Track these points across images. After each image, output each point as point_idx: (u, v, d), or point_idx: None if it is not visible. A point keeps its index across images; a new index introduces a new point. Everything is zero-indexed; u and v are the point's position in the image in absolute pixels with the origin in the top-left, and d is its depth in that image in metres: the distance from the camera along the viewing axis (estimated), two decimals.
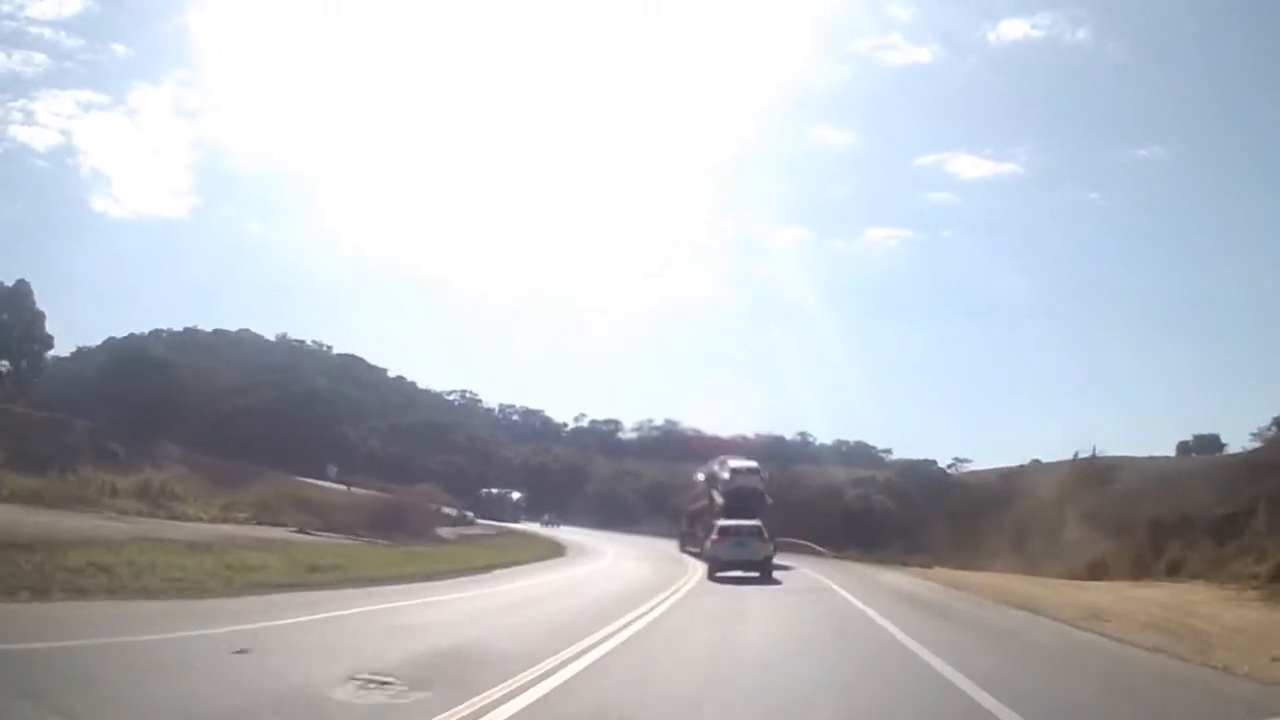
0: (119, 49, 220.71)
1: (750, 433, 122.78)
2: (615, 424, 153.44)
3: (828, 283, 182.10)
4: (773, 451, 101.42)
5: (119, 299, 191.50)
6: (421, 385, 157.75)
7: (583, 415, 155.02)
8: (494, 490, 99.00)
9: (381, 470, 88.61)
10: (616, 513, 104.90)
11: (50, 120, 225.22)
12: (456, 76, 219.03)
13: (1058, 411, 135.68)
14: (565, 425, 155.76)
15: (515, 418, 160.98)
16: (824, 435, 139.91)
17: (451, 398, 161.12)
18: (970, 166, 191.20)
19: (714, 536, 33.70)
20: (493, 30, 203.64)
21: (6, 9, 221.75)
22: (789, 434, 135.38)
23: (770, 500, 45.87)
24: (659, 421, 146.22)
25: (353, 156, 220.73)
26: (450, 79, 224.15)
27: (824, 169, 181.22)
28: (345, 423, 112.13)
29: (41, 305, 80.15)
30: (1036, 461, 78.57)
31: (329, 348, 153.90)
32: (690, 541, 49.61)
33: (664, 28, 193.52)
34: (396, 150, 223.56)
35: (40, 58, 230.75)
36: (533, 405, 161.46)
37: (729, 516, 38.13)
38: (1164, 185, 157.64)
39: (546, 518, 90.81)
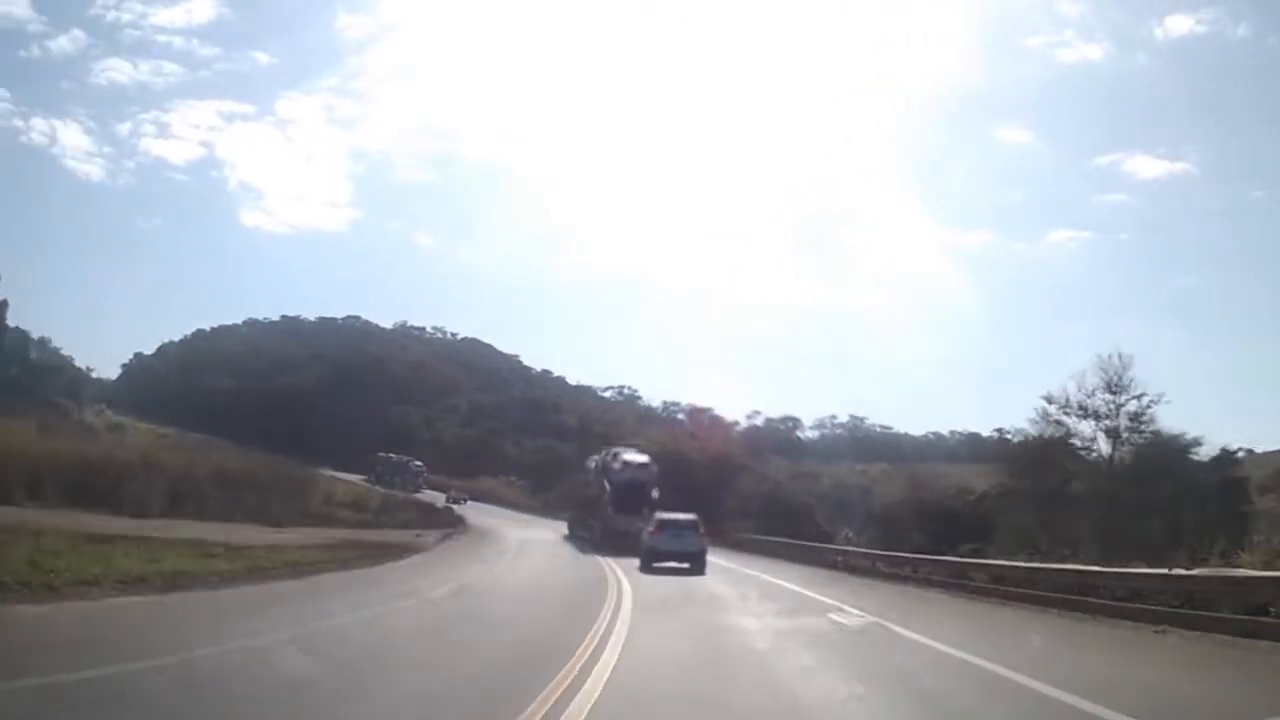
0: (261, 57, 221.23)
1: (945, 430, 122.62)
2: (794, 421, 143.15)
3: (1012, 285, 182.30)
4: (970, 448, 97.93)
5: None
6: (574, 382, 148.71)
7: (757, 413, 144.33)
8: (393, 456, 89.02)
9: (446, 456, 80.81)
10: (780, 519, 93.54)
11: (189, 132, 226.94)
12: (618, 77, 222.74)
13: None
14: (737, 423, 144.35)
15: (680, 416, 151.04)
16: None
17: (607, 394, 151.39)
18: (1145, 166, 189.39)
19: (651, 528, 34.57)
20: (664, 29, 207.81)
21: (128, 17, 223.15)
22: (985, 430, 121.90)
23: (657, 494, 45.62)
24: (843, 419, 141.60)
25: (513, 159, 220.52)
26: (612, 80, 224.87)
27: (1004, 170, 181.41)
28: (411, 403, 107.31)
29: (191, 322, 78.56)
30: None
31: (454, 334, 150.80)
32: (580, 527, 50.59)
33: (849, 30, 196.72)
34: (559, 150, 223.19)
35: (172, 67, 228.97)
36: (701, 403, 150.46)
37: (617, 507, 42.53)
38: None
39: (452, 493, 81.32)
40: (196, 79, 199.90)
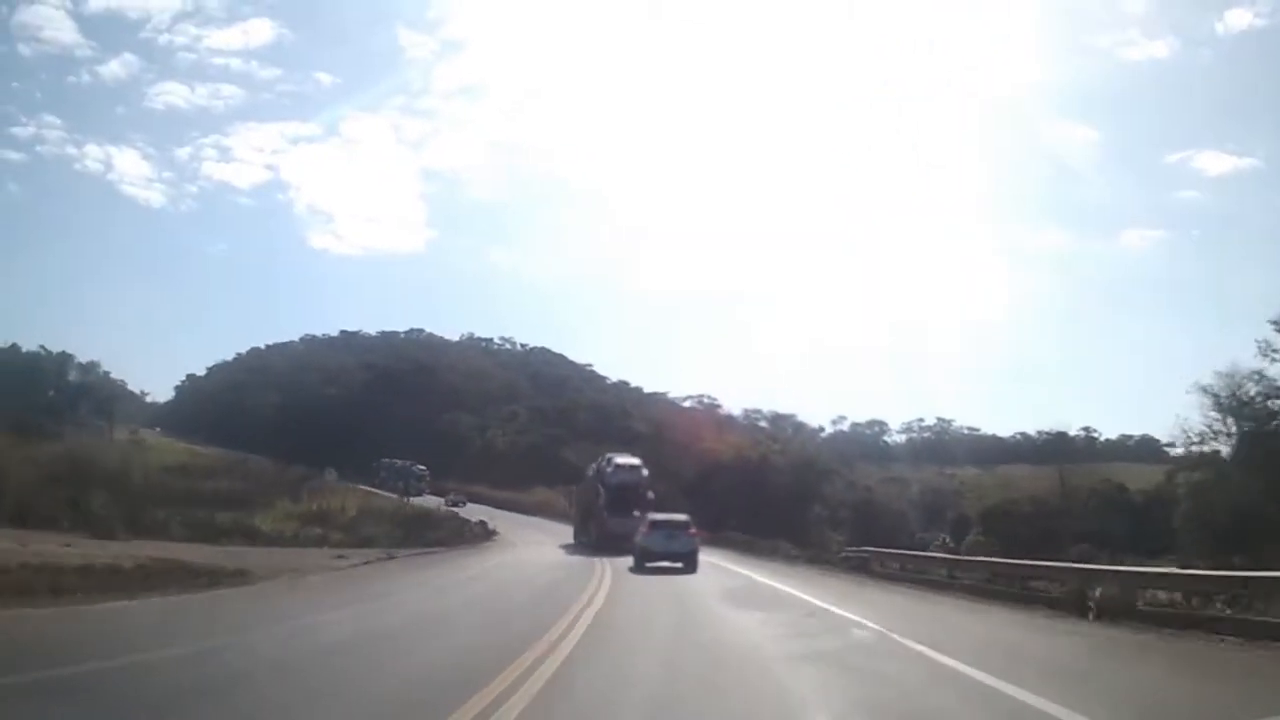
0: (324, 77, 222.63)
1: (1032, 430, 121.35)
2: (881, 425, 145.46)
3: (1089, 284, 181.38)
4: (1055, 449, 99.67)
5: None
6: (650, 390, 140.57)
7: (842, 418, 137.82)
8: (397, 461, 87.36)
9: (498, 464, 74.35)
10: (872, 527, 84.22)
11: (252, 156, 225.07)
12: (688, 87, 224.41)
13: None
14: (822, 429, 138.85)
15: (762, 423, 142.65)
16: (1109, 431, 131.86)
17: (687, 403, 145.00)
18: (1215, 162, 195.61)
19: (644, 529, 34.73)
20: (738, 38, 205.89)
21: (182, 41, 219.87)
22: (1071, 430, 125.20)
23: (652, 495, 46.77)
24: (929, 421, 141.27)
25: (585, 171, 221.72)
26: (681, 89, 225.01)
27: (1075, 169, 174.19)
28: (464, 411, 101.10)
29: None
30: None
31: (524, 345, 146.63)
32: (582, 532, 50.95)
33: (918, 34, 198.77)
34: (631, 161, 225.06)
35: (231, 90, 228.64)
36: (784, 409, 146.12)
37: (611, 510, 44.25)
38: None
39: (451, 496, 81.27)
40: (258, 101, 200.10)
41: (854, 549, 39.90)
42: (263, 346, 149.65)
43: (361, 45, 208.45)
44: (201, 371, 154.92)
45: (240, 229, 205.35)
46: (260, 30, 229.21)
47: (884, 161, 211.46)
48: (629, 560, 33.73)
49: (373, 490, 71.39)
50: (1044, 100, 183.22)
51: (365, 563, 29.24)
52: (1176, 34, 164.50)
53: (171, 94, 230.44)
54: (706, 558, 34.91)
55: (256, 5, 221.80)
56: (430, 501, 71.34)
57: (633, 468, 49.46)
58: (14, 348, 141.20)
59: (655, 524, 34.75)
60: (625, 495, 45.48)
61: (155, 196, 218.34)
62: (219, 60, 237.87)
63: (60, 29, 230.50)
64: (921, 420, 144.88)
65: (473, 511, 67.77)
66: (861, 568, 33.78)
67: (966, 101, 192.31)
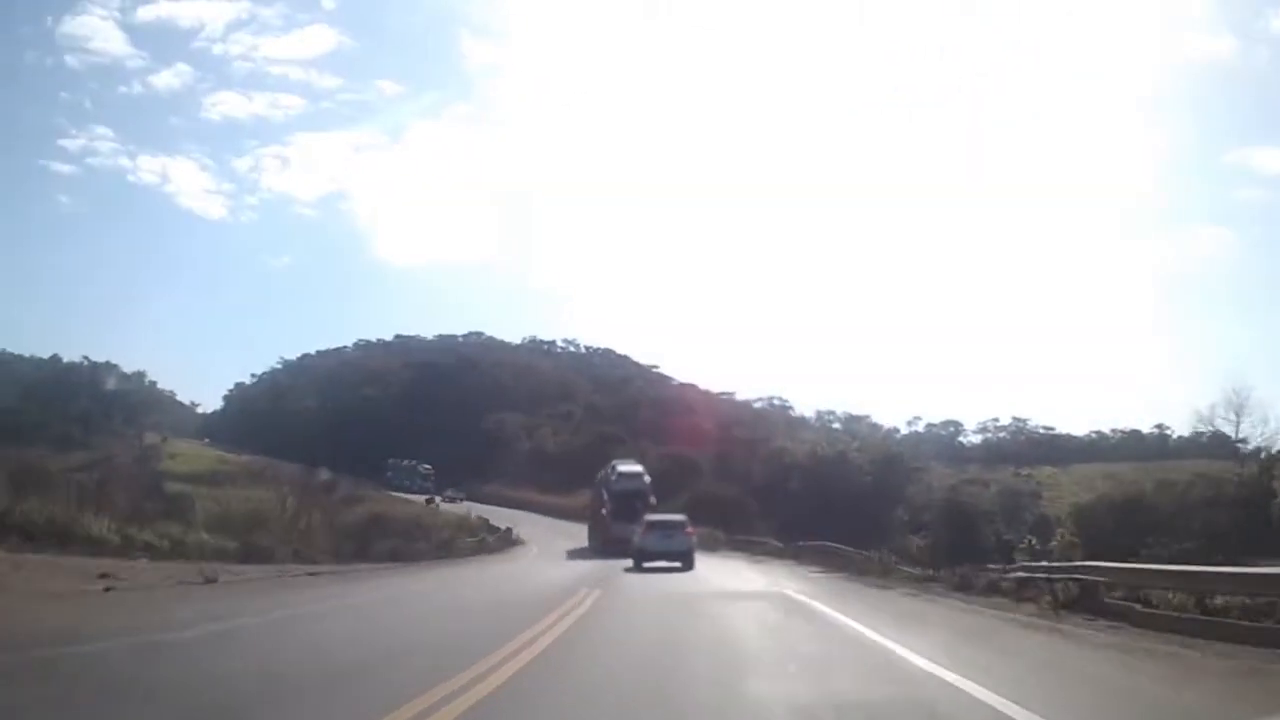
0: (387, 86, 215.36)
1: (1108, 428, 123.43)
2: (956, 425, 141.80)
3: (1155, 282, 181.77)
4: (1130, 447, 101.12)
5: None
6: (717, 391, 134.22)
7: (917, 419, 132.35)
8: (404, 461, 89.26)
9: (547, 465, 68.45)
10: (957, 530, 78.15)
11: (314, 166, 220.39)
12: (753, 87, 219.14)
13: None
14: (896, 430, 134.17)
15: (836, 425, 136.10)
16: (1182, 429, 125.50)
17: (758, 404, 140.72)
18: (1275, 160, 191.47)
19: (641, 530, 35.39)
20: (806, 36, 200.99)
21: (237, 50, 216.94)
22: (1145, 428, 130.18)
23: (654, 500, 47.92)
24: (1005, 420, 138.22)
25: (653, 177, 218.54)
26: (746, 89, 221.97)
27: (1135, 166, 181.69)
28: (512, 410, 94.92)
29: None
30: None
31: (589, 348, 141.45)
32: (593, 537, 51.23)
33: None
34: (700, 164, 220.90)
35: (291, 99, 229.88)
36: (857, 411, 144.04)
37: (616, 515, 45.68)
38: None
39: (449, 492, 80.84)
40: (319, 110, 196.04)
41: (1028, 566, 22.14)
42: (313, 353, 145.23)
43: (424, 53, 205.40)
44: (249, 380, 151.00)
45: (303, 240, 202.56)
46: (319, 39, 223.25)
47: (954, 162, 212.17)
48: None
49: (402, 495, 67.57)
50: (1108, 99, 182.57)
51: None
52: (1235, 32, 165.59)
53: (228, 104, 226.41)
54: (781, 583, 24.91)
55: (314, 13, 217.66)
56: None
57: (635, 475, 50.92)
58: (55, 358, 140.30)
59: (652, 524, 35.78)
60: (629, 502, 46.61)
61: (214, 208, 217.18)
62: (277, 69, 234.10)
63: (109, 39, 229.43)
64: (996, 420, 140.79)
65: (503, 517, 61.65)
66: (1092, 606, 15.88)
67: (1026, 102, 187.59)
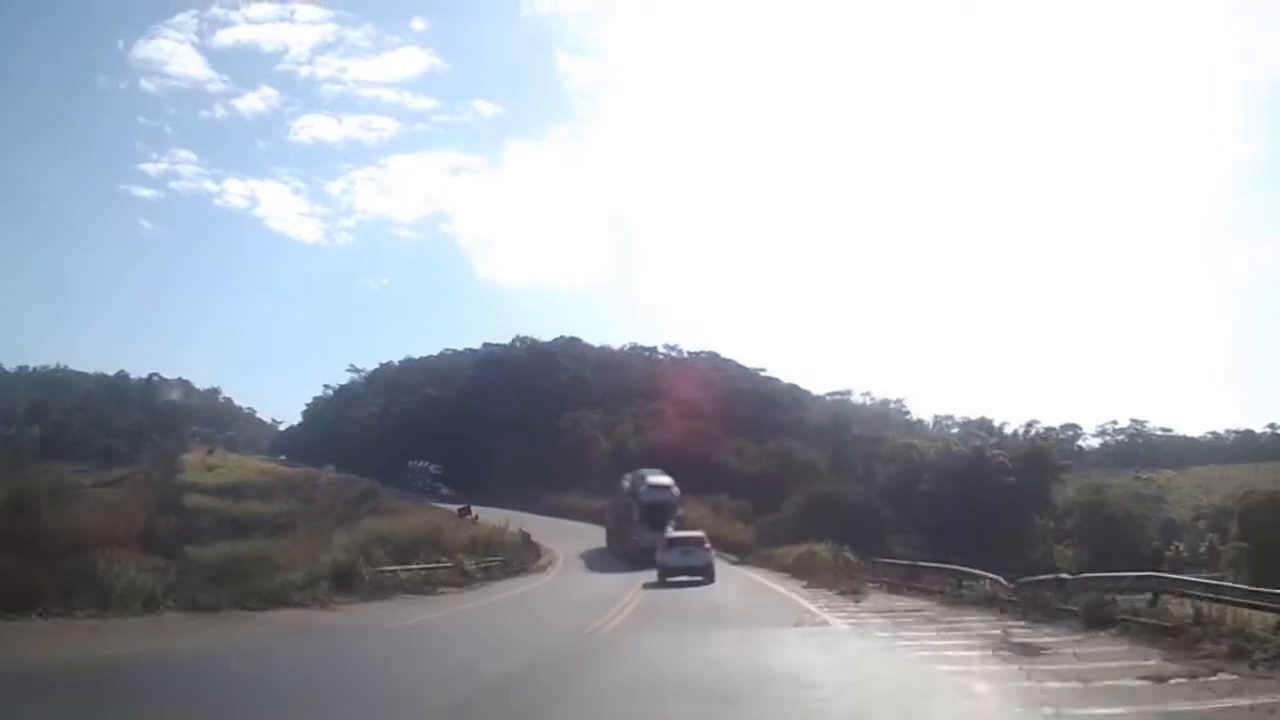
0: (484, 107, 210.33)
1: (1221, 429, 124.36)
2: (1074, 429, 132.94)
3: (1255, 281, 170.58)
4: (1242, 447, 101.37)
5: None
6: (825, 393, 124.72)
7: (1035, 422, 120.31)
8: (419, 462, 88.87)
9: (628, 467, 59.33)
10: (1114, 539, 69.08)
11: (411, 188, 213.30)
12: (857, 86, 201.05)
13: None
14: (1016, 434, 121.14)
15: (954, 429, 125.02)
16: None
17: (873, 406, 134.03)
18: None
19: (662, 547, 36.37)
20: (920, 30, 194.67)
21: (325, 73, 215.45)
22: (1258, 427, 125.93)
23: (682, 512, 48.97)
24: (1123, 423, 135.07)
25: (764, 191, 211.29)
26: (850, 88, 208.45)
27: (1230, 177, 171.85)
28: (590, 409, 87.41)
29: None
30: None
31: (694, 352, 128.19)
32: (615, 542, 52.83)
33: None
34: (805, 170, 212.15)
35: (384, 121, 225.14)
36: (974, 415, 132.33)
37: (645, 525, 45.74)
38: None
39: (444, 491, 78.55)
40: (414, 132, 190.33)
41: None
42: (395, 362, 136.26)
43: (519, 73, 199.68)
44: (324, 393, 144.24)
45: (402, 261, 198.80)
46: (411, 60, 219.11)
47: (1057, 162, 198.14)
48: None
49: (442, 506, 60.95)
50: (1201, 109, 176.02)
51: None
52: None
53: (317, 127, 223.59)
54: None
55: (404, 35, 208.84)
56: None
57: (665, 487, 51.39)
58: (121, 374, 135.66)
59: (673, 541, 36.79)
60: (658, 512, 47.34)
61: (308, 231, 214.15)
62: (368, 91, 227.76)
63: (186, 63, 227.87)
64: (1115, 422, 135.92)
65: (542, 531, 53.64)
66: None
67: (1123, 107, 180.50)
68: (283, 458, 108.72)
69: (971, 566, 25.38)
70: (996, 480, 70.69)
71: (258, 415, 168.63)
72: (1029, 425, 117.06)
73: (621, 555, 48.09)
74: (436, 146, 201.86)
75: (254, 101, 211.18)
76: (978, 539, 52.73)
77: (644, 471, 54.08)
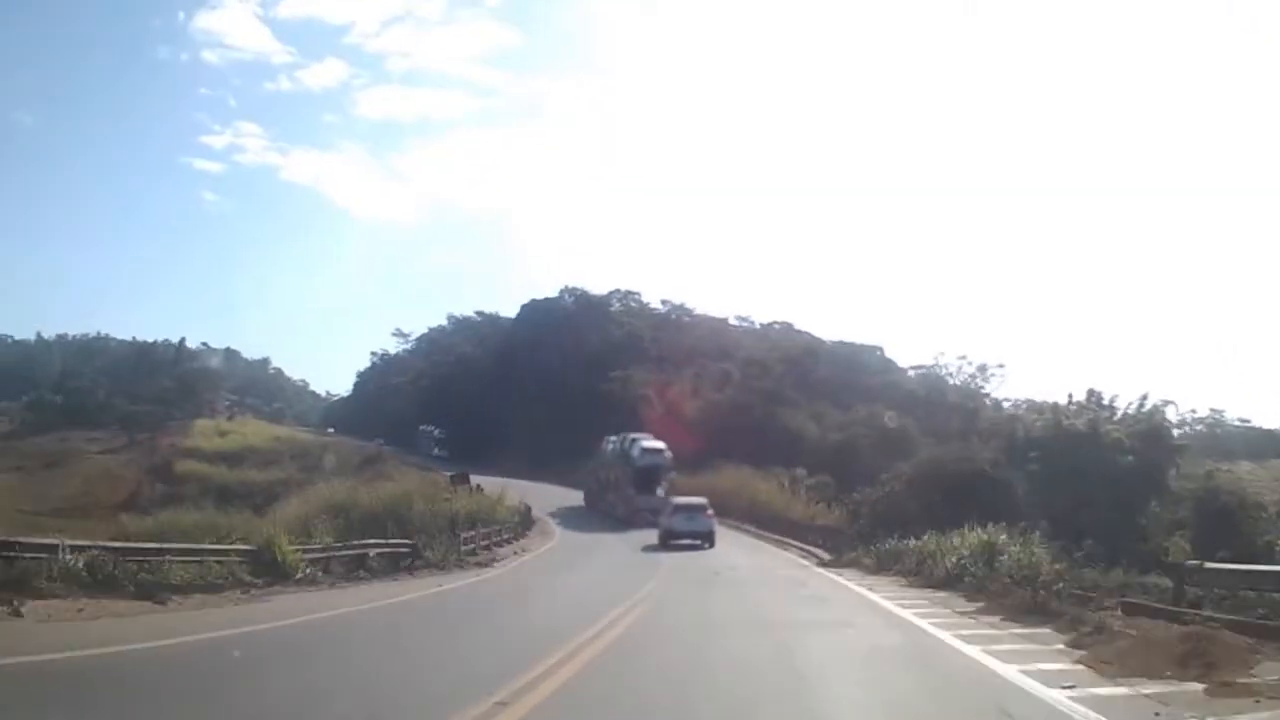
0: (551, 83, 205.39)
1: None
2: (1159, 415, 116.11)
3: None
4: None
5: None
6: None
7: (1147, 396, 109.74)
8: (425, 427, 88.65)
9: (685, 433, 59.00)
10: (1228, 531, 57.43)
11: (481, 162, 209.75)
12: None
13: None
14: (1127, 410, 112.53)
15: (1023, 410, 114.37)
16: None
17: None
18: None
19: (668, 513, 39.35)
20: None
21: (394, 46, 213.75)
22: None
23: (674, 474, 51.10)
24: (1202, 413, 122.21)
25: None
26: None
27: None
28: (641, 366, 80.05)
29: None
30: None
31: (767, 324, 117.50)
32: (599, 502, 55.58)
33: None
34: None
35: (454, 96, 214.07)
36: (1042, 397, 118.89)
37: (638, 488, 49.27)
38: None
39: (437, 452, 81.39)
40: (485, 107, 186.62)
41: None
42: (444, 326, 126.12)
43: (589, 50, 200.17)
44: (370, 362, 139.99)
45: (470, 237, 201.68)
46: (483, 34, 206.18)
47: (1145, 156, 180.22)
48: None
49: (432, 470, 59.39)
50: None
51: None
52: None
53: (387, 100, 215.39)
54: None
55: (476, 9, 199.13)
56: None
57: (658, 451, 52.23)
58: (163, 341, 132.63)
59: (678, 508, 39.19)
60: (651, 476, 49.51)
61: (374, 205, 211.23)
62: (438, 65, 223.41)
63: (250, 35, 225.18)
64: (1194, 411, 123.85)
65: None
66: None
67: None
68: (330, 430, 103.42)
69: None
70: (1115, 461, 60.21)
71: (310, 388, 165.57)
72: (1142, 399, 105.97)
73: (606, 512, 51.62)
74: (507, 121, 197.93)
75: (321, 74, 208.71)
76: (1091, 528, 41.45)
77: (633, 435, 55.16)
